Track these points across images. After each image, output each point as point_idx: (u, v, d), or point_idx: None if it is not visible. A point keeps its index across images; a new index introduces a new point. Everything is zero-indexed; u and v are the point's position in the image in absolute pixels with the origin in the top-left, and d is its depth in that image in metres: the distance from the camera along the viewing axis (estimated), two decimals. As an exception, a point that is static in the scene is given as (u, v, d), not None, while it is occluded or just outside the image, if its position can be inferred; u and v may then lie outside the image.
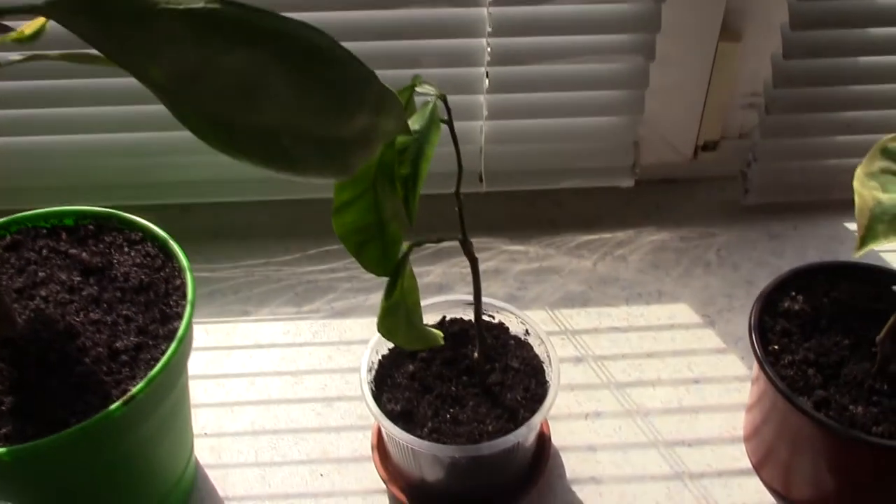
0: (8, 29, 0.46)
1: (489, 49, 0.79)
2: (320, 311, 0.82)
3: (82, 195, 0.74)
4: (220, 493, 0.67)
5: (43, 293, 0.58)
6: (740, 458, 0.69)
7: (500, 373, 0.65)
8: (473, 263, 0.59)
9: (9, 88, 0.80)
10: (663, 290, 0.83)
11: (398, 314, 0.55)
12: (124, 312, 0.58)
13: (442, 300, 0.68)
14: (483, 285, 0.61)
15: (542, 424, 0.67)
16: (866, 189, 0.52)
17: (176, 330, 0.56)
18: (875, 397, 0.60)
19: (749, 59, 0.85)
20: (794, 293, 0.67)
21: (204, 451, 0.70)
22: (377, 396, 0.63)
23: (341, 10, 0.77)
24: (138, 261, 0.61)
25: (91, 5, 0.34)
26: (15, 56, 0.49)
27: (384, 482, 0.66)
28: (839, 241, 0.88)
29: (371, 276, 0.55)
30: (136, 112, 0.81)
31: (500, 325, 0.69)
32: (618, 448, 0.70)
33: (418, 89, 0.51)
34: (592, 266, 0.86)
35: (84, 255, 0.61)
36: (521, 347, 0.67)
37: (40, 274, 0.60)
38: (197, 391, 0.74)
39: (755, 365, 0.64)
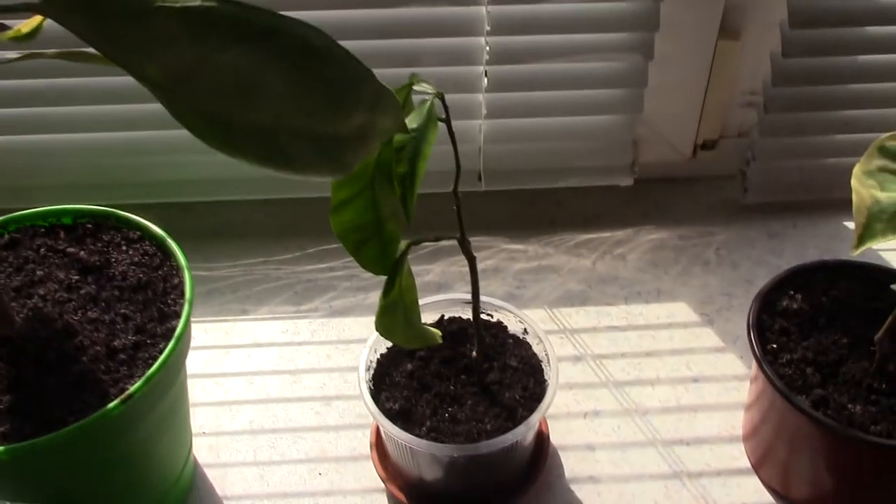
0: (5, 27, 0.46)
1: (488, 48, 0.79)
2: (319, 310, 0.82)
3: (80, 194, 0.74)
4: (219, 492, 0.67)
5: (41, 292, 0.58)
6: (739, 457, 0.69)
7: (498, 372, 0.65)
8: (471, 262, 0.59)
9: (7, 87, 0.80)
10: (662, 289, 0.83)
11: (396, 313, 0.55)
12: (122, 311, 0.58)
13: (440, 299, 0.68)
14: (482, 284, 0.61)
15: (540, 423, 0.67)
16: (864, 187, 0.52)
17: (174, 328, 0.56)
18: (873, 396, 0.60)
19: (748, 58, 0.85)
20: (792, 292, 0.67)
21: (202, 450, 0.70)
22: (375, 395, 0.63)
23: (340, 9, 0.77)
24: (136, 259, 0.61)
25: (87, 3, 0.34)
26: (12, 54, 0.48)
27: (383, 481, 0.66)
28: (839, 240, 0.88)
29: (370, 274, 0.55)
30: (134, 111, 0.81)
31: (499, 323, 0.69)
32: (616, 447, 0.70)
33: (416, 88, 0.50)
34: (591, 265, 0.86)
35: (82, 253, 0.61)
36: (520, 346, 0.67)
37: (38, 272, 0.60)
38: (195, 390, 0.74)
39: (754, 364, 0.64)
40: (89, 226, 0.63)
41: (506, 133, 0.85)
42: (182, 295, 0.58)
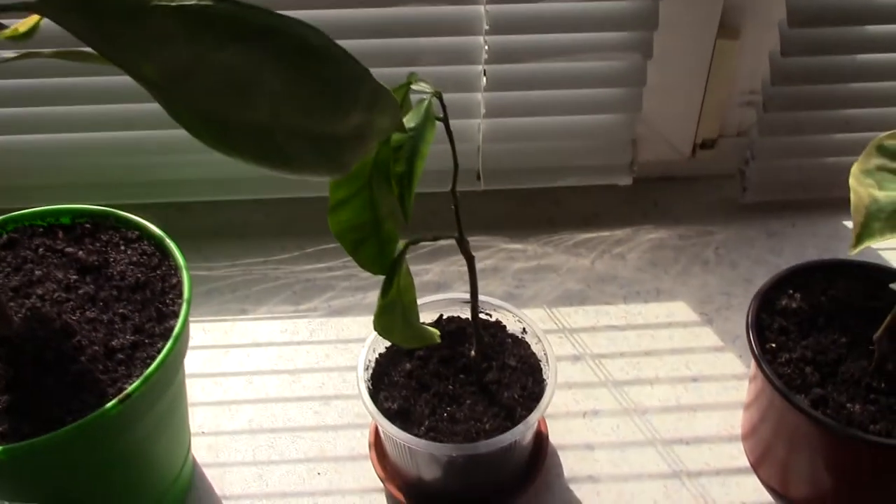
0: (2, 26, 0.46)
1: (486, 47, 0.79)
2: (318, 310, 0.82)
3: (79, 194, 0.74)
4: (218, 491, 0.67)
5: (39, 292, 0.58)
6: (738, 456, 0.69)
7: (497, 371, 0.65)
8: (470, 261, 0.59)
9: (4, 87, 0.80)
10: (661, 289, 0.83)
11: (394, 312, 0.55)
12: (120, 311, 0.58)
13: (439, 298, 0.68)
14: (481, 283, 0.61)
15: (539, 423, 0.67)
16: (862, 186, 0.52)
17: (172, 328, 0.56)
18: (872, 395, 0.60)
19: (747, 57, 0.85)
20: (791, 291, 0.67)
21: (201, 450, 0.70)
22: (374, 395, 0.63)
23: (338, 8, 0.77)
24: (135, 259, 0.61)
25: (83, 2, 0.33)
26: (9, 54, 0.48)
27: (381, 481, 0.66)
28: (838, 239, 0.88)
29: (368, 274, 0.55)
30: (132, 110, 0.81)
31: (497, 323, 0.68)
32: (615, 446, 0.70)
33: (414, 87, 0.50)
34: (590, 264, 0.86)
35: (80, 253, 0.61)
36: (519, 345, 0.67)
37: (37, 272, 0.60)
38: (195, 390, 0.74)
39: (753, 363, 0.64)
40: (88, 225, 0.63)
41: (504, 132, 0.85)
42: (180, 295, 0.58)
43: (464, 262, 0.59)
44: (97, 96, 0.80)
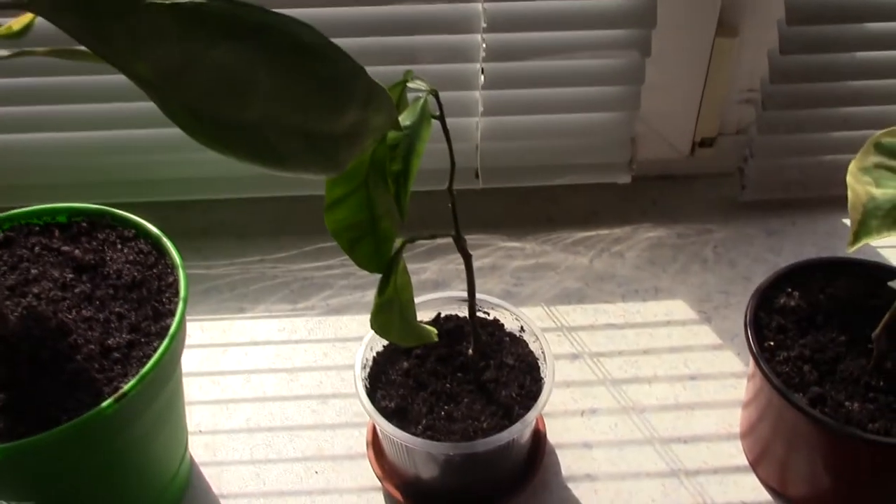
0: (-3, 25, 0.46)
1: (484, 45, 0.79)
2: (315, 308, 0.82)
3: (75, 192, 0.73)
4: (215, 490, 0.67)
5: (35, 290, 0.58)
6: (736, 454, 0.69)
7: (494, 370, 0.65)
8: (467, 260, 0.59)
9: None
10: (660, 287, 0.83)
11: (392, 311, 0.55)
12: (117, 310, 0.58)
13: (437, 297, 0.68)
14: (479, 282, 0.61)
15: (537, 421, 0.67)
16: (860, 184, 0.52)
17: (168, 327, 0.56)
18: (871, 394, 0.60)
19: (746, 55, 0.85)
20: (790, 289, 0.67)
21: (199, 449, 0.70)
22: (372, 393, 0.63)
23: (335, 6, 0.76)
24: (131, 258, 0.61)
25: (76, 1, 0.33)
26: (3, 52, 0.48)
27: (379, 479, 0.66)
28: (837, 238, 0.88)
29: (366, 272, 0.55)
30: (127, 109, 0.81)
31: (495, 321, 0.68)
32: (613, 445, 0.70)
33: (410, 85, 0.50)
34: (589, 263, 0.86)
35: (77, 252, 0.61)
36: (516, 344, 0.67)
37: (32, 271, 0.59)
38: (192, 388, 0.74)
39: (751, 361, 0.63)
40: (84, 224, 0.63)
41: (503, 130, 0.85)
42: (176, 293, 0.58)
43: (461, 260, 0.59)
44: (92, 95, 0.80)
